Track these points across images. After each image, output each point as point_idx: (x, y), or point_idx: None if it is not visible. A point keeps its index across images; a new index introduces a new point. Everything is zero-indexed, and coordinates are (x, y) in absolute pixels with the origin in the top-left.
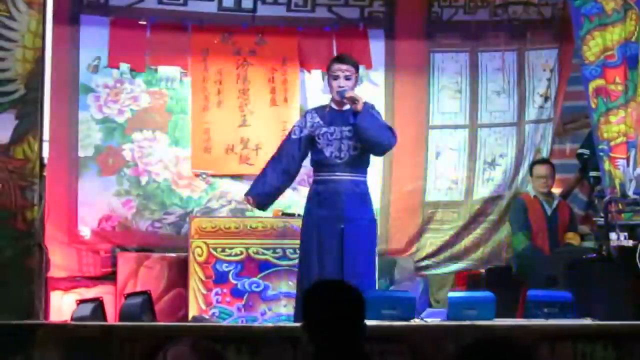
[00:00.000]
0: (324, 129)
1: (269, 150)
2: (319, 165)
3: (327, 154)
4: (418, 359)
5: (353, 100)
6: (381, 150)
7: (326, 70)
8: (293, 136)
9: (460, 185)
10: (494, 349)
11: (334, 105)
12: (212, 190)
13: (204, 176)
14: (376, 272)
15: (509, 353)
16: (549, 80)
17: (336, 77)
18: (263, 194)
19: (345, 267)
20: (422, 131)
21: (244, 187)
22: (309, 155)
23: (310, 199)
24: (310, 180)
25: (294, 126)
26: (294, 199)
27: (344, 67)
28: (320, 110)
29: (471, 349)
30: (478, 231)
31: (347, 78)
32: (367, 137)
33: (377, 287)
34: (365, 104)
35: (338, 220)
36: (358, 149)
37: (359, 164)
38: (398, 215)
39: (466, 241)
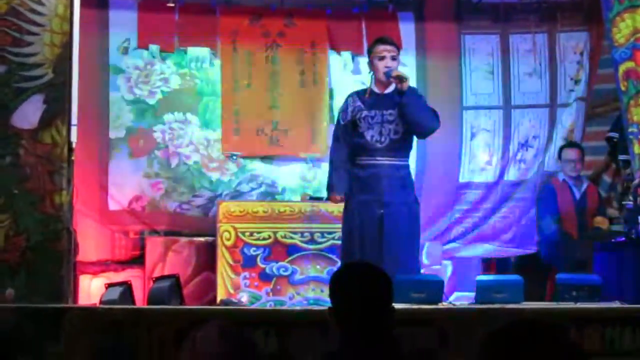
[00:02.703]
0: (365, 113)
1: (299, 131)
2: (360, 149)
3: (368, 137)
4: (446, 342)
5: (400, 79)
6: (425, 132)
7: (361, 52)
8: (342, 122)
9: (494, 166)
10: (526, 332)
11: (375, 89)
12: (243, 173)
13: (234, 158)
14: (419, 256)
15: (543, 336)
16: (579, 63)
17: (382, 58)
18: (346, 187)
19: (385, 251)
20: (456, 112)
21: (274, 169)
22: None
23: (351, 184)
24: None
25: (339, 112)
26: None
27: (389, 47)
28: (361, 93)
29: (502, 333)
30: (506, 211)
31: (393, 58)
32: (412, 117)
33: (421, 270)
34: (409, 85)
35: (377, 205)
36: (399, 133)
37: (400, 148)
38: (431, 196)
39: (496, 222)
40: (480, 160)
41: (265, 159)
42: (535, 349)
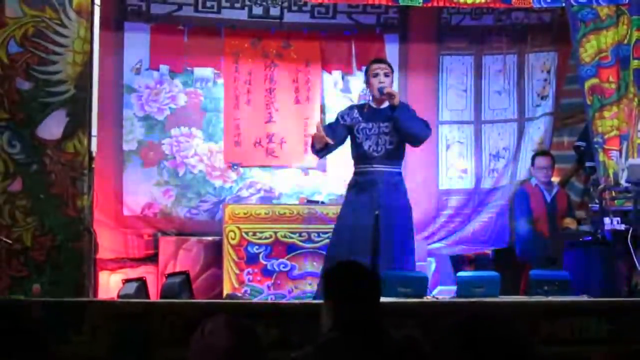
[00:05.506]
0: (363, 125)
1: (292, 144)
2: (359, 157)
3: (366, 147)
4: (429, 332)
5: (391, 96)
6: (418, 141)
7: (350, 72)
8: (340, 121)
9: (469, 174)
10: (477, 325)
11: (372, 104)
12: (242, 180)
13: (235, 167)
14: (413, 253)
15: (493, 329)
16: (545, 80)
17: (376, 75)
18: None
19: (382, 248)
20: (433, 126)
21: (271, 177)
22: (350, 148)
23: (350, 188)
24: None
25: (338, 114)
26: (316, 186)
27: (382, 65)
28: (359, 107)
29: (456, 327)
30: (484, 217)
31: (386, 75)
32: (405, 129)
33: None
34: (400, 101)
35: (374, 206)
36: (393, 144)
37: (394, 157)
38: (415, 202)
39: (474, 225)
40: (456, 169)
41: (263, 167)
42: (486, 341)
